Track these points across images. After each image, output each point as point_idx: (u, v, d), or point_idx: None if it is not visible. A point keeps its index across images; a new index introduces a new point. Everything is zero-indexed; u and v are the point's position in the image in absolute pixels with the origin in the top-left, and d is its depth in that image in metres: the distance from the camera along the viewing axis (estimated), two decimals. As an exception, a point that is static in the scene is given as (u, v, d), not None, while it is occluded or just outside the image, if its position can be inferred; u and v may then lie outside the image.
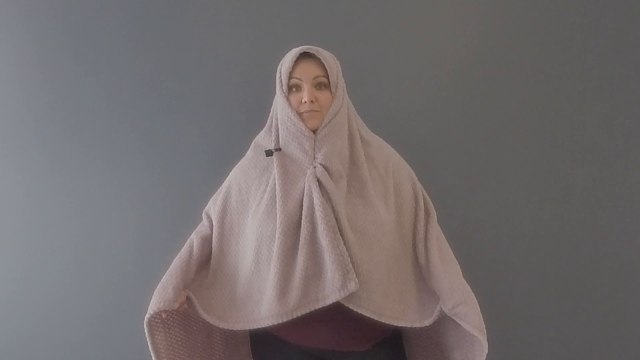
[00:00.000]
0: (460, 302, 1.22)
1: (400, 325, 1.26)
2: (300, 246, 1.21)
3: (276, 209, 1.24)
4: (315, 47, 1.27)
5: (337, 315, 1.24)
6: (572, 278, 1.78)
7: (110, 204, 1.83)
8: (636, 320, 1.78)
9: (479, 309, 1.25)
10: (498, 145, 1.77)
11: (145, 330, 1.28)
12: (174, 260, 1.37)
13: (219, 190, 1.44)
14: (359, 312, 1.22)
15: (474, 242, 1.79)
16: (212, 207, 1.42)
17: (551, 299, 1.79)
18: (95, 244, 1.84)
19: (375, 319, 1.23)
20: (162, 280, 1.32)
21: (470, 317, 1.21)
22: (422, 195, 1.39)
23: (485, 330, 1.21)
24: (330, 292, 1.19)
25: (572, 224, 1.77)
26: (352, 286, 1.18)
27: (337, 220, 1.21)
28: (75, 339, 1.86)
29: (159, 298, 1.27)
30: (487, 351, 1.22)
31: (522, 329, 1.80)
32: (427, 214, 1.38)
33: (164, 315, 1.29)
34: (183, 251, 1.39)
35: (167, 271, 1.34)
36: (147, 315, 1.27)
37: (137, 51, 1.81)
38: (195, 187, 1.79)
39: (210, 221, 1.42)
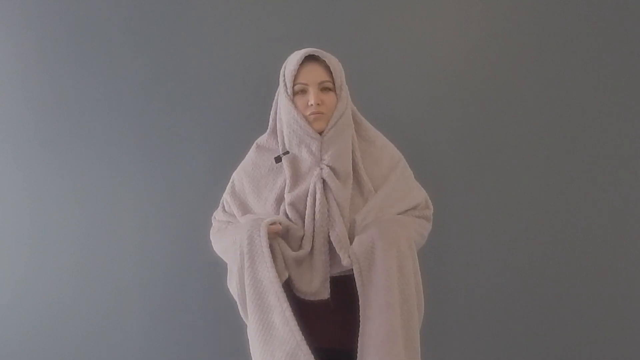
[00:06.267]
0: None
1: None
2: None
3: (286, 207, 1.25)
4: (319, 50, 1.28)
5: (346, 314, 1.25)
6: (571, 276, 1.80)
7: (110, 204, 1.83)
8: (636, 320, 1.80)
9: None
10: (499, 145, 1.79)
11: (262, 233, 1.16)
12: (225, 230, 1.35)
13: (224, 200, 1.40)
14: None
15: (474, 240, 1.80)
16: (226, 213, 1.39)
17: (551, 297, 1.81)
18: (96, 244, 1.84)
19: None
20: (240, 223, 1.28)
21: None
22: (422, 194, 1.40)
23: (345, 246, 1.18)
24: (304, 293, 1.23)
25: (572, 223, 1.79)
26: (325, 295, 1.22)
27: (348, 221, 1.22)
28: (76, 339, 1.87)
29: (262, 218, 1.21)
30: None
31: (522, 327, 1.81)
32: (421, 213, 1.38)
33: (280, 226, 1.21)
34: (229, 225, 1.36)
35: (230, 229, 1.32)
36: (265, 223, 1.17)
37: (137, 51, 1.81)
38: (196, 187, 1.79)
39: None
